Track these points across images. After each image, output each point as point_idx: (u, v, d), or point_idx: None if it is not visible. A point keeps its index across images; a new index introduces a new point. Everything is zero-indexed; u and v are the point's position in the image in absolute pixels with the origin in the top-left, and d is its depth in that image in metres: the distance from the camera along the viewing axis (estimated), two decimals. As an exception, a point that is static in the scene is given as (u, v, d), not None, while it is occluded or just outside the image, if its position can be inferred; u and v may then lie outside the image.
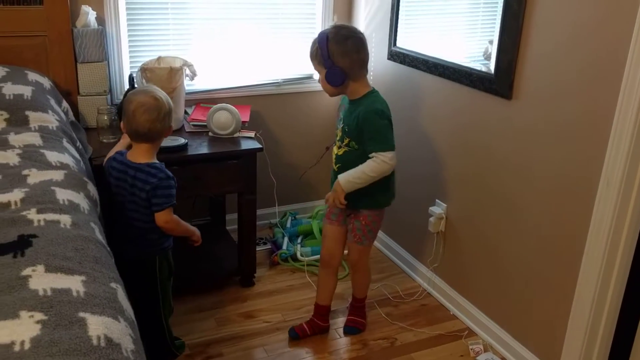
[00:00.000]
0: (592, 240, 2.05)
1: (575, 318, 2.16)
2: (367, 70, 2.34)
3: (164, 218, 2.09)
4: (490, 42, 2.42)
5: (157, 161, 2.14)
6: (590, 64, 1.98)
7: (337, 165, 2.41)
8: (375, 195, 2.40)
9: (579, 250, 2.10)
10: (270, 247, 3.33)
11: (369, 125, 2.27)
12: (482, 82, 2.44)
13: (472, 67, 2.52)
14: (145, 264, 2.15)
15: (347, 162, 2.35)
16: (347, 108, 2.38)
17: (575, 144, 2.08)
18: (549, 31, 2.12)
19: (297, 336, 2.63)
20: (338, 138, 2.40)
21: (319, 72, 2.35)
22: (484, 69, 2.47)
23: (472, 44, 2.68)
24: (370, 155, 2.27)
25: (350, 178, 2.28)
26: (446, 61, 2.66)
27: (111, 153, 2.25)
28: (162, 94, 2.13)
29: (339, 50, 2.25)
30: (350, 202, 2.36)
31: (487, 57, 2.47)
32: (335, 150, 2.43)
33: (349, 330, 2.66)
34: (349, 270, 2.70)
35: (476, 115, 2.53)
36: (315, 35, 2.33)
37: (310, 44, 2.35)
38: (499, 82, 2.35)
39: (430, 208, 2.85)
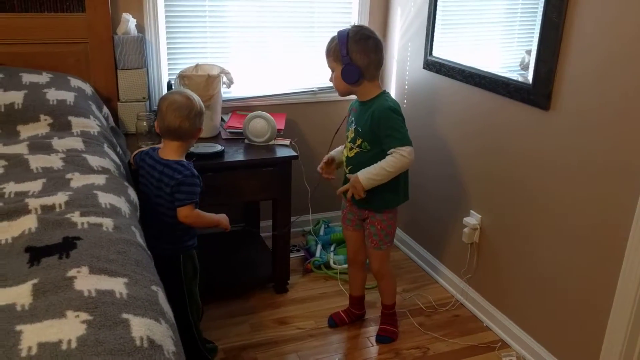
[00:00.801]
0: (630, 255, 2.01)
1: (611, 334, 2.12)
2: (380, 73, 2.37)
3: (184, 213, 2.14)
4: (528, 52, 2.41)
5: (185, 160, 2.20)
6: (632, 77, 1.95)
7: (349, 168, 2.41)
8: (384, 196, 2.40)
9: (617, 264, 2.07)
10: (303, 254, 3.34)
11: (385, 122, 2.28)
12: (520, 92, 2.42)
13: (508, 77, 2.51)
14: (170, 263, 2.18)
15: (358, 163, 2.35)
16: (358, 110, 2.39)
17: (614, 154, 2.05)
18: (589, 43, 2.10)
19: (335, 324, 2.75)
20: (349, 140, 2.40)
21: (332, 69, 2.35)
22: (521, 79, 2.45)
23: (509, 53, 2.66)
24: (388, 152, 2.27)
25: (369, 175, 2.27)
26: (482, 71, 2.65)
27: (143, 148, 2.32)
28: (194, 95, 2.21)
29: (359, 48, 2.27)
30: (361, 202, 2.39)
31: (524, 67, 2.45)
32: (345, 152, 2.44)
33: (380, 339, 2.66)
34: (375, 279, 2.68)
35: (513, 126, 2.51)
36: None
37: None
38: (537, 92, 2.33)
39: (465, 219, 2.83)
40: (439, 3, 2.94)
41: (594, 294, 2.19)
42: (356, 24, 2.41)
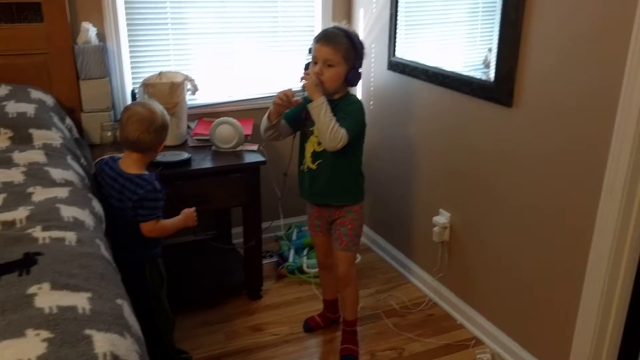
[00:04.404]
0: (596, 248, 2.04)
1: (582, 324, 2.14)
2: None
3: (148, 228, 2.12)
4: (490, 50, 2.43)
5: (147, 173, 2.16)
6: (589, 71, 1.98)
7: (317, 162, 2.37)
8: (352, 191, 2.44)
9: (584, 257, 2.09)
10: (276, 260, 3.32)
11: (351, 107, 2.30)
12: (483, 90, 2.44)
13: (471, 75, 2.53)
14: (135, 271, 2.15)
15: (327, 158, 2.33)
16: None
17: (577, 150, 2.07)
18: (548, 39, 2.13)
19: (311, 329, 2.74)
20: (314, 135, 2.33)
21: (331, 64, 2.24)
22: (483, 77, 2.47)
23: (471, 52, 2.68)
24: None
25: (324, 108, 2.19)
26: (446, 70, 2.67)
27: (105, 156, 2.28)
28: (158, 108, 2.16)
29: (363, 53, 2.31)
30: (332, 197, 2.41)
31: (487, 65, 2.47)
32: (311, 148, 2.38)
33: (346, 359, 2.56)
34: (338, 288, 2.65)
35: (477, 124, 2.53)
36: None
37: (329, 33, 2.29)
38: (499, 89, 2.35)
39: (434, 218, 2.84)
40: (400, 4, 2.97)
41: (563, 288, 2.21)
42: (344, 25, 2.36)
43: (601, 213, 2.00)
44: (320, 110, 2.19)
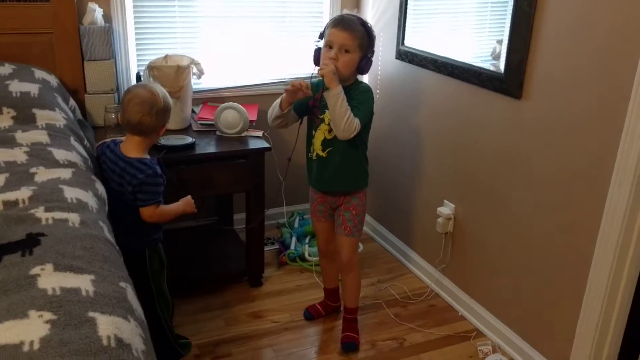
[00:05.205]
0: (602, 241, 2.02)
1: (584, 318, 2.13)
2: None
3: (148, 213, 2.11)
4: (499, 41, 2.40)
5: (148, 157, 2.14)
6: (599, 64, 1.96)
7: (327, 150, 2.36)
8: (359, 177, 2.45)
9: (588, 251, 2.08)
10: (278, 247, 3.31)
11: (363, 95, 2.30)
12: (492, 81, 2.42)
13: (481, 66, 2.50)
14: (135, 256, 2.13)
15: (338, 145, 2.32)
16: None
17: (585, 143, 2.05)
18: (560, 33, 2.10)
19: (311, 317, 2.74)
20: (327, 122, 2.32)
21: (346, 49, 2.22)
22: (493, 68, 2.45)
23: (480, 43, 2.65)
24: None
25: (341, 98, 2.19)
26: (455, 60, 2.64)
27: (107, 139, 2.25)
28: (160, 90, 2.13)
29: (374, 43, 2.33)
30: (340, 184, 2.41)
31: (496, 56, 2.45)
32: (321, 135, 2.36)
33: (347, 347, 2.55)
34: (340, 274, 2.64)
35: (485, 115, 2.51)
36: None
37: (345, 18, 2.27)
38: (509, 81, 2.33)
39: (439, 209, 2.82)
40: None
41: (567, 281, 2.20)
42: (356, 13, 2.35)
43: (609, 206, 1.98)
44: (337, 100, 2.19)
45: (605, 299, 2.05)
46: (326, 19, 3.33)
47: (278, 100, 2.33)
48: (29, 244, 1.42)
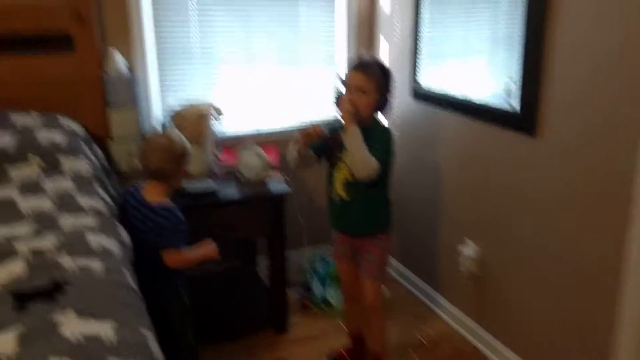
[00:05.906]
0: (628, 283, 1.97)
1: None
2: None
3: (170, 258, 2.13)
4: (510, 77, 2.41)
5: (169, 201, 2.16)
6: (616, 99, 1.95)
7: (350, 192, 2.36)
8: (382, 219, 2.44)
9: (613, 299, 2.03)
10: (301, 290, 3.28)
11: (382, 136, 2.32)
12: (506, 119, 2.43)
13: (494, 104, 2.51)
14: (159, 302, 2.12)
15: (360, 187, 2.31)
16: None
17: (604, 181, 2.03)
18: (570, 68, 2.11)
19: None
20: (343, 163, 2.33)
21: (364, 91, 2.25)
22: (506, 106, 2.45)
23: (492, 80, 2.64)
24: None
25: (358, 137, 2.20)
26: (469, 99, 2.66)
27: (129, 187, 2.29)
28: (177, 136, 2.17)
29: (393, 85, 2.37)
30: (363, 227, 2.40)
31: (508, 93, 2.45)
32: (342, 176, 2.36)
33: None
34: (365, 318, 2.59)
35: (500, 153, 2.50)
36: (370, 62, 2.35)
37: (361, 60, 2.37)
38: (524, 118, 2.33)
39: (460, 247, 2.79)
40: (421, 33, 2.98)
41: (595, 326, 2.14)
42: (370, 54, 2.41)
43: (630, 243, 1.94)
44: (354, 139, 2.20)
45: (635, 342, 1.99)
46: (340, 62, 3.37)
47: (292, 143, 2.35)
48: (54, 291, 1.44)
